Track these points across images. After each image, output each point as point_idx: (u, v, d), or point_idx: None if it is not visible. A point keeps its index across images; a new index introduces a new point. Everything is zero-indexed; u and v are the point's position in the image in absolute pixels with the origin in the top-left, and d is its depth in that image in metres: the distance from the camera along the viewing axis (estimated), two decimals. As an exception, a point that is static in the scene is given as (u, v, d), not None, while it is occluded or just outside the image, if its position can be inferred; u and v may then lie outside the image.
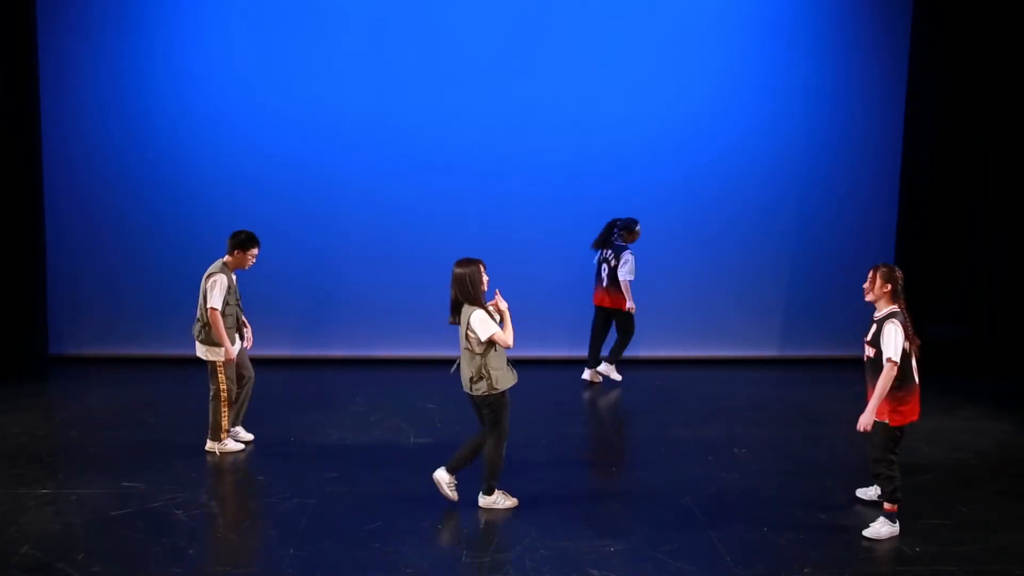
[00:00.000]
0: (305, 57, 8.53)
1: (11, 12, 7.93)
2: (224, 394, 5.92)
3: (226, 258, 5.93)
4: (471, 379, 5.02)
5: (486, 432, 5.13)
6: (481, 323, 4.92)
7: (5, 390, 7.45)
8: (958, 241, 8.94)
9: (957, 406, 7.46)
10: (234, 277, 5.96)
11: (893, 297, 4.87)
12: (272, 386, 7.79)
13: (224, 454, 5.97)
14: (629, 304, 7.70)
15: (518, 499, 5.25)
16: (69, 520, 4.93)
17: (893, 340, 4.73)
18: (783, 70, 8.79)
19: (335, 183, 8.64)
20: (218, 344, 5.82)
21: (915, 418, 4.94)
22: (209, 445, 6.00)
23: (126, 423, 6.67)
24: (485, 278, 5.07)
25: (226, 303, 5.81)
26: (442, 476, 5.21)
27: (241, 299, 6.07)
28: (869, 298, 4.95)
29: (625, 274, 7.63)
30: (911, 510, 5.21)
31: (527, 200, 8.74)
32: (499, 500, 5.18)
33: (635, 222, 7.82)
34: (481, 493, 5.21)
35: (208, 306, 5.76)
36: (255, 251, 5.94)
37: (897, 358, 4.72)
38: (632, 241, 7.79)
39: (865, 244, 8.86)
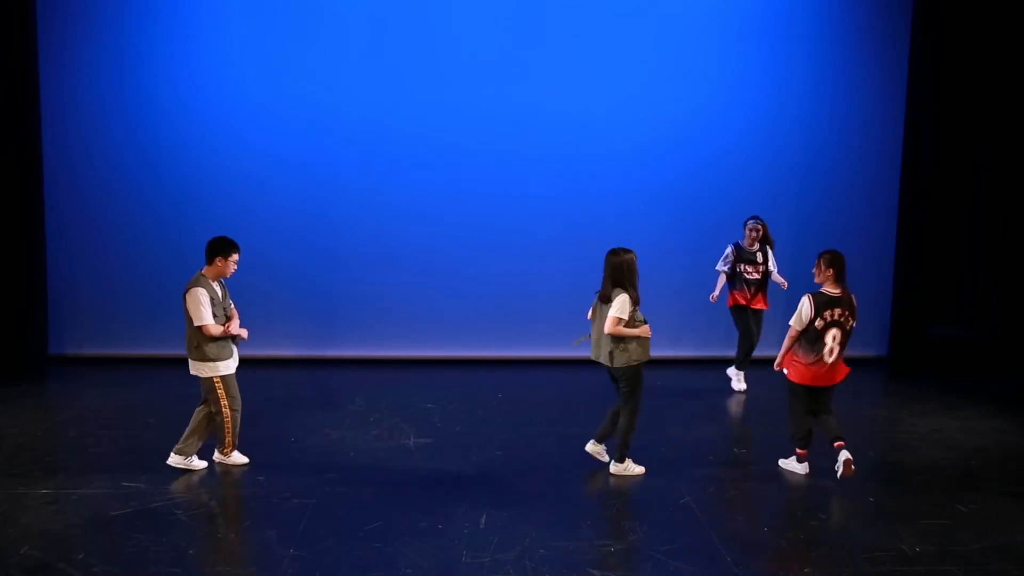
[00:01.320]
0: (306, 57, 8.55)
1: (11, 11, 7.93)
2: (226, 411, 5.63)
3: (204, 269, 5.57)
4: (611, 352, 5.43)
5: (621, 403, 5.60)
6: (620, 304, 5.40)
7: (5, 390, 7.46)
8: (959, 241, 8.95)
9: (956, 406, 7.47)
10: (217, 287, 5.58)
11: (836, 280, 5.53)
12: (272, 386, 7.79)
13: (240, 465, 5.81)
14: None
15: (519, 499, 5.25)
16: (69, 520, 4.93)
17: (799, 310, 5.53)
18: (782, 70, 8.81)
19: (337, 183, 8.65)
20: (212, 359, 5.50)
21: (813, 383, 5.59)
22: (217, 456, 5.82)
23: (126, 423, 6.67)
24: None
25: (214, 315, 5.47)
26: (591, 447, 5.81)
27: (233, 306, 5.69)
28: (817, 280, 5.61)
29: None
30: (910, 509, 5.22)
31: (526, 200, 8.75)
32: (630, 467, 5.69)
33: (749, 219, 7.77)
34: (613, 461, 5.70)
35: (196, 325, 5.43)
36: (235, 256, 5.55)
37: (797, 326, 5.53)
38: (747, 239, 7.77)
39: (865, 244, 8.87)
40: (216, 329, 5.49)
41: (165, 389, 7.54)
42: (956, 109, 8.71)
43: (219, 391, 5.60)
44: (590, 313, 5.70)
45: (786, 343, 5.66)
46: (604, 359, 5.51)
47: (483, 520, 5.04)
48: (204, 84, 8.52)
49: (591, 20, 8.67)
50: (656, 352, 8.98)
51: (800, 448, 5.77)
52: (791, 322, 5.60)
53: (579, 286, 8.63)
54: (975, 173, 8.80)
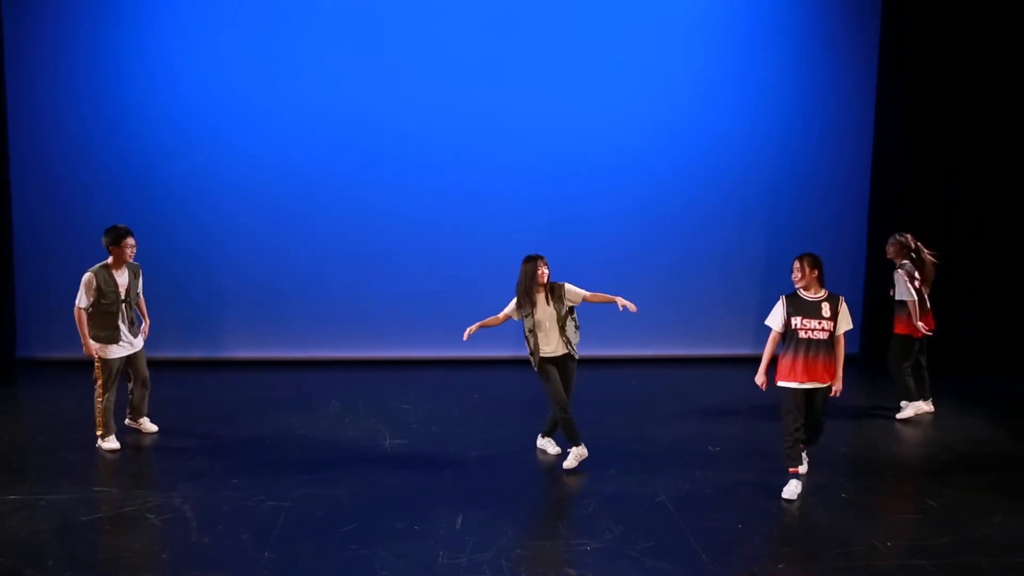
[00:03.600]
0: (286, 57, 8.49)
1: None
2: (99, 389, 6.07)
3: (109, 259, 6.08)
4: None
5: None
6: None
7: (-29, 394, 7.33)
8: (929, 240, 9.07)
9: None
10: (115, 275, 6.05)
11: (820, 282, 5.40)
12: (246, 387, 7.73)
13: (108, 452, 6.04)
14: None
15: (495, 499, 5.25)
16: (38, 526, 4.85)
17: (773, 313, 5.46)
18: (756, 75, 8.89)
19: (311, 183, 8.60)
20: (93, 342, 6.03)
21: (784, 380, 5.42)
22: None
23: (96, 427, 6.57)
24: (540, 271, 5.74)
25: (99, 302, 5.96)
26: (540, 442, 6.18)
27: (129, 297, 6.13)
28: (799, 284, 5.43)
29: (900, 294, 6.97)
30: (881, 505, 5.29)
31: (503, 200, 8.75)
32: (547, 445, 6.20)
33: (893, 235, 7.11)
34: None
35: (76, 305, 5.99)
36: (130, 240, 6.06)
37: (773, 327, 5.45)
38: (895, 258, 7.05)
39: (839, 245, 8.98)
40: (81, 323, 5.99)
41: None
42: (927, 112, 8.83)
43: (96, 369, 6.09)
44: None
45: (768, 347, 5.48)
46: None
47: (459, 520, 5.04)
48: (179, 84, 8.43)
49: (572, 24, 8.68)
50: (633, 351, 9.17)
51: (794, 466, 5.44)
52: (768, 322, 5.51)
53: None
54: (947, 175, 8.95)
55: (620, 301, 5.79)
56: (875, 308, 9.02)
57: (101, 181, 8.43)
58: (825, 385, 5.39)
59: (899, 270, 6.96)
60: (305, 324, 8.72)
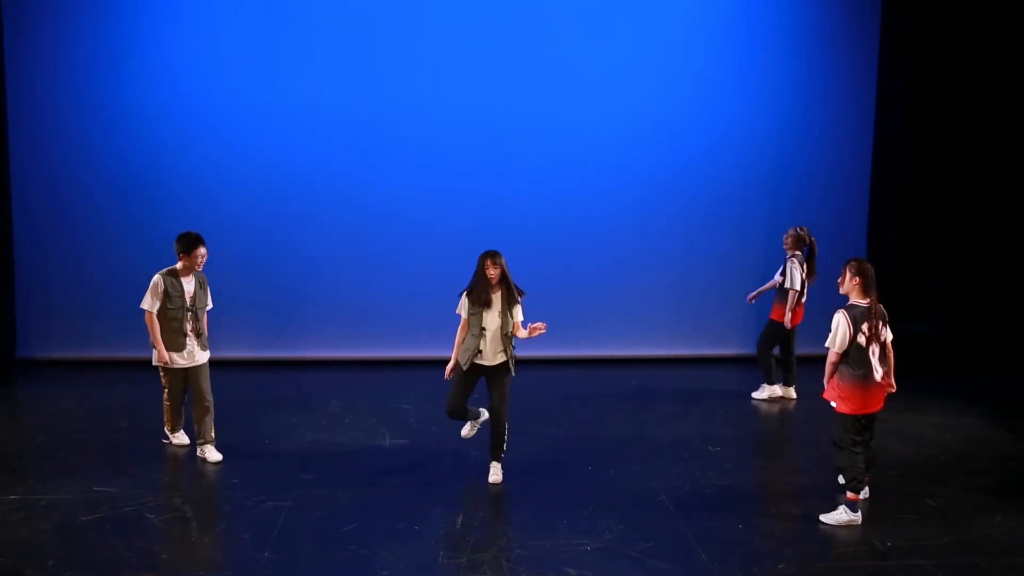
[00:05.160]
0: (287, 57, 8.47)
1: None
2: (165, 394, 6.09)
3: (178, 264, 5.92)
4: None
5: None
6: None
7: (-29, 394, 7.33)
8: (928, 240, 9.09)
9: (925, 402, 7.58)
10: (182, 282, 5.85)
11: (864, 290, 4.97)
12: (246, 388, 7.73)
13: (178, 446, 6.18)
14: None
15: (495, 499, 5.25)
16: (38, 526, 4.85)
17: (835, 330, 4.95)
18: (756, 75, 8.87)
19: (311, 182, 8.59)
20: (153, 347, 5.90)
21: (866, 410, 5.00)
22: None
23: (96, 427, 6.58)
24: (489, 271, 5.41)
25: (165, 307, 5.79)
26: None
27: (195, 306, 5.89)
28: (843, 291, 5.08)
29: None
30: (881, 505, 5.29)
31: (501, 200, 8.74)
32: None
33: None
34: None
35: (141, 306, 5.86)
36: (202, 250, 5.87)
37: (837, 348, 4.92)
38: (791, 249, 7.40)
39: (838, 244, 8.94)
40: (154, 328, 5.83)
41: (136, 392, 7.43)
42: (927, 112, 8.84)
43: (161, 376, 6.04)
44: None
45: (829, 369, 5.02)
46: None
47: (460, 520, 5.04)
48: (180, 84, 8.41)
49: (569, 23, 8.66)
50: (633, 351, 9.17)
51: (855, 493, 4.99)
52: (828, 344, 4.99)
53: (555, 286, 8.69)
54: (946, 174, 8.95)
55: (524, 334, 5.41)
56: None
57: (101, 181, 8.42)
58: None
59: (794, 259, 7.32)
60: (305, 324, 8.71)
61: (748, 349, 8.94)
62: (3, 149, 8.09)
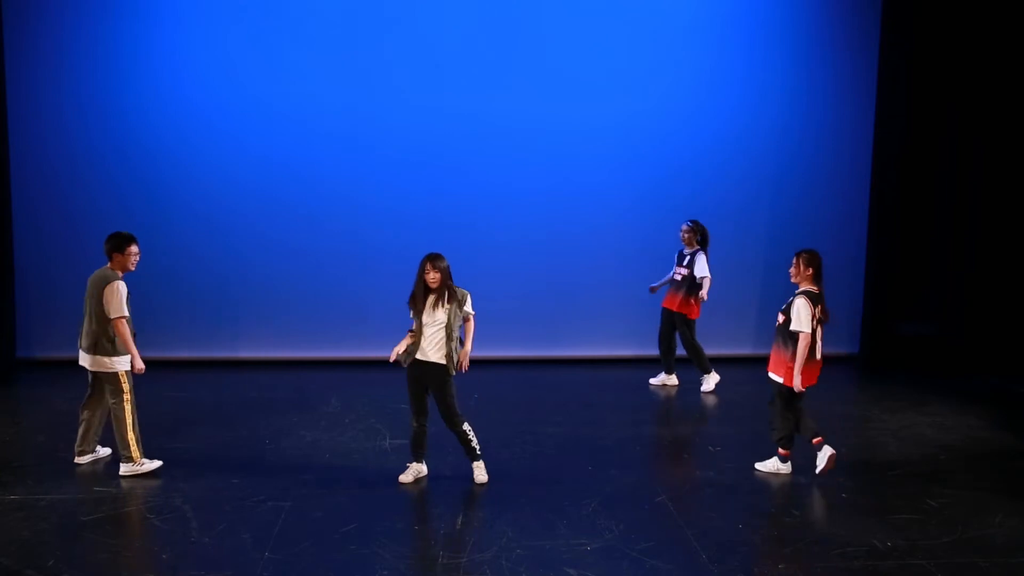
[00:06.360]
0: (288, 56, 8.48)
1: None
2: (127, 406, 5.57)
3: (109, 264, 5.57)
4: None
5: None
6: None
7: (-29, 394, 7.33)
8: (927, 241, 9.10)
9: (925, 402, 7.58)
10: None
11: (815, 279, 5.58)
12: (246, 388, 7.73)
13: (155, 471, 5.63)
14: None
15: (495, 499, 5.25)
16: (39, 526, 4.85)
17: (804, 314, 5.48)
18: (756, 75, 8.89)
19: (313, 183, 8.60)
20: (123, 353, 5.54)
21: (810, 383, 5.66)
22: (123, 469, 5.57)
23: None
24: (427, 275, 5.31)
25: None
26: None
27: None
28: (795, 280, 5.65)
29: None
30: (881, 505, 5.29)
31: (503, 200, 8.75)
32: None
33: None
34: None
35: (113, 317, 5.44)
36: (134, 249, 5.57)
37: (807, 330, 5.47)
38: (690, 243, 7.82)
39: (838, 244, 8.97)
40: (126, 334, 5.51)
41: (136, 392, 7.41)
42: (927, 112, 8.85)
43: (124, 383, 5.60)
44: None
45: (803, 352, 5.50)
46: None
47: (460, 520, 5.04)
48: (181, 83, 8.42)
49: (569, 24, 8.67)
50: (633, 351, 9.17)
51: (785, 448, 5.77)
52: (799, 328, 5.48)
53: (555, 287, 8.70)
54: (946, 175, 8.96)
55: (461, 357, 5.42)
56: (875, 308, 9.03)
57: (102, 181, 8.42)
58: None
59: (701, 252, 7.67)
60: (305, 324, 8.71)
61: (751, 350, 8.96)
62: (3, 149, 8.09)
